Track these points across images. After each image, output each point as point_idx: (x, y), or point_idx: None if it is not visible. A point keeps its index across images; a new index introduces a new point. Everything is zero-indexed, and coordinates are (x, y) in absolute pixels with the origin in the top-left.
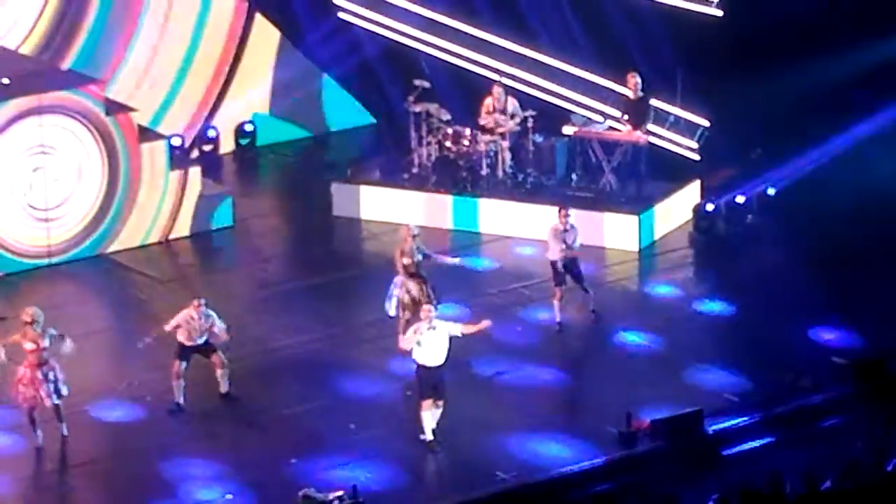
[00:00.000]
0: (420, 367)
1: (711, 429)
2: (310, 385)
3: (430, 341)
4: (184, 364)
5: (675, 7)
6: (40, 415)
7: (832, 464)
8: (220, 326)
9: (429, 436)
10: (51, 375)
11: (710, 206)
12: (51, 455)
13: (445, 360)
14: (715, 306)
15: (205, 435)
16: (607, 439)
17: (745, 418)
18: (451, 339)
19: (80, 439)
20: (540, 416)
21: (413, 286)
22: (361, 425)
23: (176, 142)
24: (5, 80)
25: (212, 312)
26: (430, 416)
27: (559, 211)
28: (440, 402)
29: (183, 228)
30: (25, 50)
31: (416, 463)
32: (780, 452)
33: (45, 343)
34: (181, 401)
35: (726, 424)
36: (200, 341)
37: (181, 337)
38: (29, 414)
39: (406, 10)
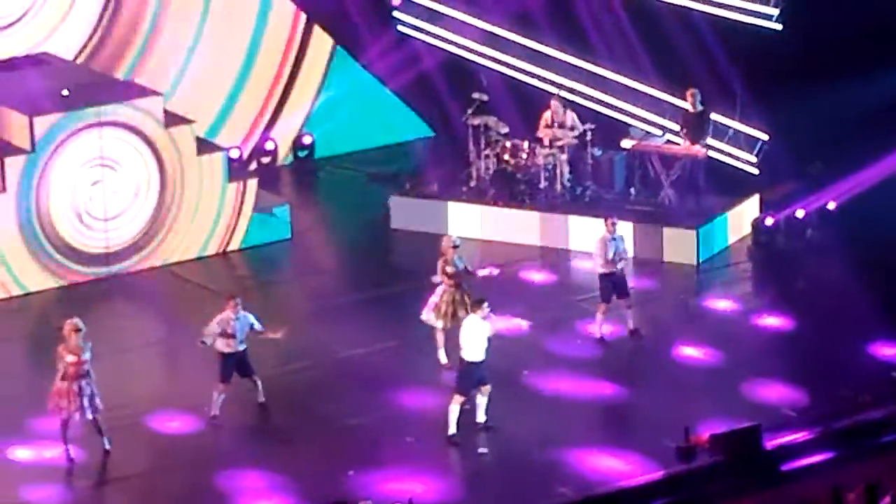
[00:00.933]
0: (471, 363)
1: (770, 444)
2: (367, 397)
3: (483, 338)
4: (227, 385)
5: (735, 21)
6: (71, 428)
7: (892, 479)
8: (258, 326)
9: (453, 429)
10: (87, 389)
11: (769, 221)
12: (106, 467)
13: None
14: (773, 321)
15: (262, 447)
16: (665, 454)
17: (803, 433)
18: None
19: (136, 450)
20: (598, 430)
21: (454, 296)
22: (418, 438)
23: (234, 154)
24: (65, 92)
25: (248, 313)
26: (458, 410)
27: (606, 220)
28: (486, 389)
29: (240, 240)
30: (83, 61)
31: (473, 476)
32: (840, 468)
33: (86, 356)
34: (217, 412)
35: (785, 439)
36: (241, 348)
37: (220, 345)
38: (63, 426)
39: (465, 22)
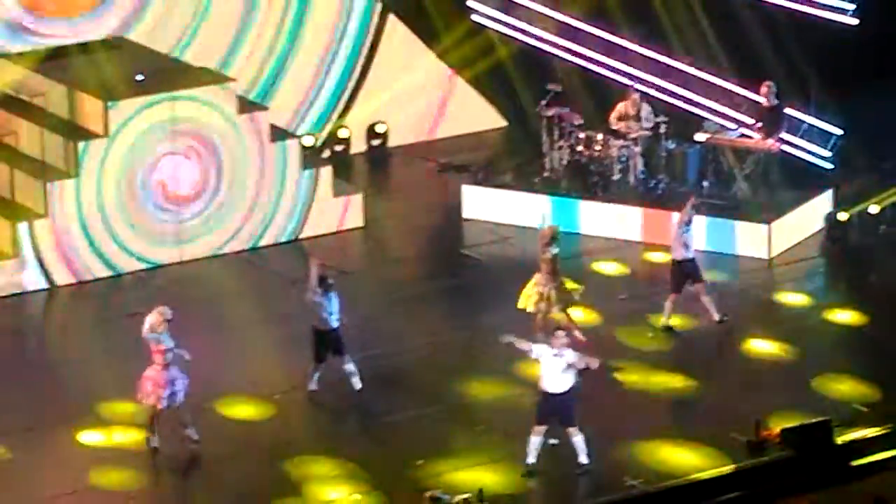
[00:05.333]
0: (544, 393)
1: (840, 439)
2: (437, 387)
3: (554, 368)
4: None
5: (810, 15)
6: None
7: None
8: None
9: (531, 459)
10: (178, 383)
11: (842, 216)
12: (175, 452)
13: (568, 390)
14: (846, 316)
15: (331, 435)
16: (736, 447)
17: (874, 429)
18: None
19: (206, 437)
20: (668, 423)
21: (549, 284)
22: (488, 428)
23: (307, 141)
24: (139, 77)
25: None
26: (537, 440)
27: (689, 202)
28: (571, 432)
29: (313, 228)
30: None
31: (543, 467)
32: None
33: (172, 343)
34: (315, 387)
35: (856, 435)
36: (334, 324)
37: (316, 321)
38: (153, 415)
39: (540, 13)
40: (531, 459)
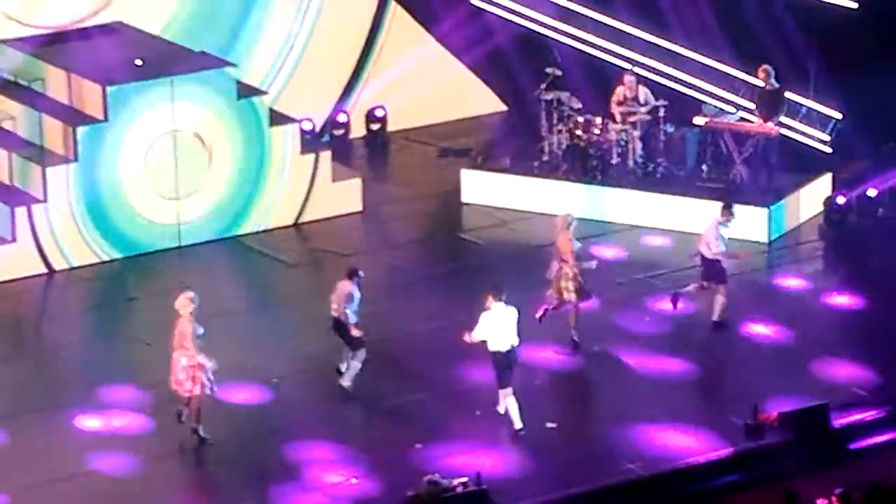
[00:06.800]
0: (501, 353)
1: (838, 422)
2: (435, 371)
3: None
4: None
5: None
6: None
7: None
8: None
9: (519, 423)
10: (208, 364)
11: (841, 199)
12: (176, 436)
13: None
14: (844, 299)
15: (330, 419)
16: (734, 431)
17: (873, 412)
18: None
19: (205, 421)
20: (666, 407)
21: (563, 271)
22: (487, 412)
23: (306, 126)
24: (138, 62)
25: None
26: (515, 402)
27: (725, 208)
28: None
29: (313, 212)
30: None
31: (540, 450)
32: None
33: (201, 330)
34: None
35: (854, 418)
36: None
37: (346, 315)
38: (199, 404)
39: None
40: (519, 423)
